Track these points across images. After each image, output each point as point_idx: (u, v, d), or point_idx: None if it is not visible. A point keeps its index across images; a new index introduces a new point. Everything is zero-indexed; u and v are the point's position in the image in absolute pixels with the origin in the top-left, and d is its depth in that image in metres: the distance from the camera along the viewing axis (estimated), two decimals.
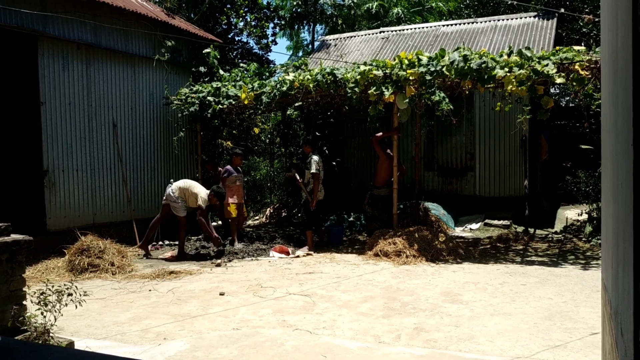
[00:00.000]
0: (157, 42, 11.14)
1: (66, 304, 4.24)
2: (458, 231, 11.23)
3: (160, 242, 10.49)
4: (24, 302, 4.10)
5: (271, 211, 13.89)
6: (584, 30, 14.93)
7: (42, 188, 9.10)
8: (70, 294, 4.19)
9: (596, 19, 12.51)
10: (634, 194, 1.28)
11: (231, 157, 10.37)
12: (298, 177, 9.42)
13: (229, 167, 10.17)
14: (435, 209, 11.15)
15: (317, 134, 13.59)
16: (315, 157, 9.20)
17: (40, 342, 3.88)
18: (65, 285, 4.33)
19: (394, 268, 7.66)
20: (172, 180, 9.77)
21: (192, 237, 10.76)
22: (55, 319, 4.15)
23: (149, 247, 9.79)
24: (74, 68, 9.54)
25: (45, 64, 9.05)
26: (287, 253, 8.95)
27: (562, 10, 13.70)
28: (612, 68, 2.07)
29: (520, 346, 4.48)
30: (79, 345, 4.50)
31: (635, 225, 1.25)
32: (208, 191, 9.01)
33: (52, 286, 4.30)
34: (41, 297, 4.14)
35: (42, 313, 4.08)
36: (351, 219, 11.94)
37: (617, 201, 1.80)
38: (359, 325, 5.15)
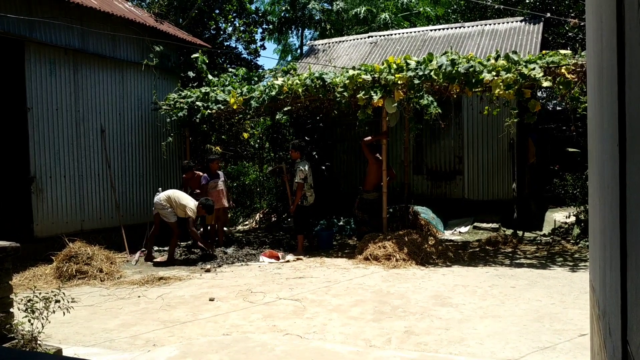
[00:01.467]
0: (145, 47, 11.10)
1: (54, 311, 4.19)
2: (447, 234, 11.27)
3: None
4: (11, 310, 4.05)
5: (261, 216, 13.86)
6: (569, 34, 15.11)
7: (29, 194, 9.01)
8: (57, 301, 4.15)
9: (581, 23, 12.65)
10: (619, 195, 1.30)
11: (207, 164, 10.33)
12: (285, 171, 9.48)
13: (204, 175, 10.16)
14: (425, 213, 11.18)
15: (306, 138, 13.61)
16: (302, 167, 9.20)
17: (27, 349, 3.83)
18: (52, 292, 4.29)
19: (384, 272, 7.67)
20: (160, 189, 9.76)
21: (182, 243, 10.70)
22: (43, 326, 4.11)
23: (138, 253, 9.74)
24: (62, 73, 9.48)
25: (32, 69, 8.99)
26: (277, 258, 8.93)
27: (548, 14, 13.83)
28: (598, 70, 2.10)
29: (510, 348, 4.50)
30: (67, 352, 4.45)
31: (621, 225, 1.27)
32: (196, 202, 8.99)
33: (40, 293, 4.26)
34: (28, 304, 4.09)
35: (29, 320, 4.03)
36: (341, 223, 11.94)
37: (604, 202, 1.82)
38: (350, 330, 5.15)
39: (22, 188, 9.27)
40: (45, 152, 9.19)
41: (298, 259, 8.91)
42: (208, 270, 8.30)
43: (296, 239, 9.51)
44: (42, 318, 4.08)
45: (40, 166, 9.11)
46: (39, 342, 4.04)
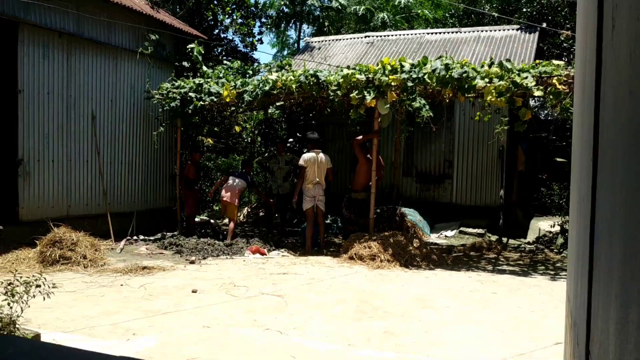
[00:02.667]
0: (140, 35, 11.05)
1: (34, 296, 4.18)
2: (433, 237, 11.33)
3: (135, 237, 10.39)
4: None
5: (249, 210, 13.86)
6: (564, 45, 15.21)
7: (16, 177, 8.95)
8: (38, 286, 4.14)
9: (575, 34, 12.74)
10: (591, 208, 1.33)
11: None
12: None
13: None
14: (412, 215, 11.23)
15: (298, 135, 13.62)
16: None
17: (5, 333, 3.83)
18: (34, 276, 4.27)
19: (368, 272, 7.70)
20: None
21: (168, 233, 10.69)
22: (22, 310, 4.10)
23: (123, 241, 9.74)
24: (55, 57, 9.42)
25: (25, 51, 8.92)
26: (263, 254, 8.94)
27: (544, 24, 13.93)
28: (582, 85, 2.14)
29: (488, 353, 4.55)
30: (46, 337, 4.44)
31: (590, 238, 1.30)
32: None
33: (20, 277, 4.24)
34: (8, 287, 4.08)
35: (8, 304, 4.02)
36: (328, 221, 11.97)
37: (579, 215, 1.85)
38: (330, 328, 5.18)
39: (9, 171, 9.21)
40: (34, 135, 9.14)
41: (283, 255, 8.94)
42: (192, 262, 8.30)
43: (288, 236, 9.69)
44: (22, 302, 4.06)
45: (28, 149, 9.05)
46: (17, 326, 4.03)
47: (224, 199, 10.16)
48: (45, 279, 4.28)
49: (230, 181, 10.22)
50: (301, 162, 9.33)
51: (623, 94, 0.89)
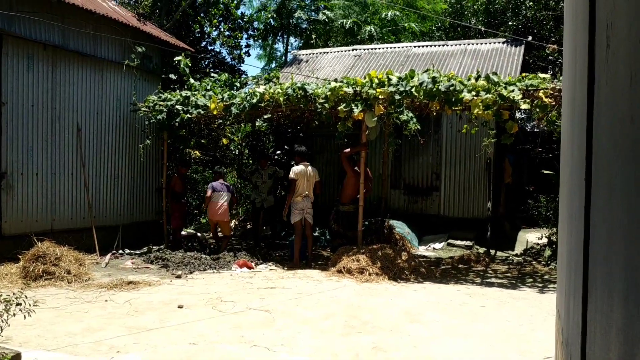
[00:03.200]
0: (127, 48, 10.99)
1: (14, 314, 4.08)
2: (422, 250, 11.31)
3: (121, 251, 10.26)
4: None
5: (236, 223, 13.76)
6: (550, 58, 15.38)
7: None
8: (19, 304, 4.04)
9: (561, 48, 12.89)
10: (584, 229, 1.30)
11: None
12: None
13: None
14: (400, 227, 11.22)
15: (286, 147, 13.58)
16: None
17: None
18: (14, 294, 4.17)
19: (356, 285, 7.65)
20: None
21: (154, 247, 10.56)
22: (2, 330, 3.99)
23: (108, 255, 9.60)
24: (39, 69, 9.32)
25: (9, 63, 8.82)
26: (251, 268, 8.85)
27: (530, 38, 14.08)
28: (571, 100, 2.12)
29: None
30: (27, 357, 4.33)
31: (584, 260, 1.27)
32: None
33: (0, 295, 4.14)
34: None
35: None
36: (316, 234, 11.91)
37: (570, 233, 1.83)
38: (318, 343, 5.11)
39: None
40: (18, 148, 9.01)
41: (271, 269, 8.86)
42: (179, 277, 8.19)
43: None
44: (2, 321, 3.96)
45: (12, 162, 8.92)
46: None
47: (218, 217, 10.07)
48: (25, 296, 4.17)
49: (216, 197, 10.07)
50: (291, 175, 9.27)
51: (622, 116, 0.86)
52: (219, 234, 10.50)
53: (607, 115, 1.03)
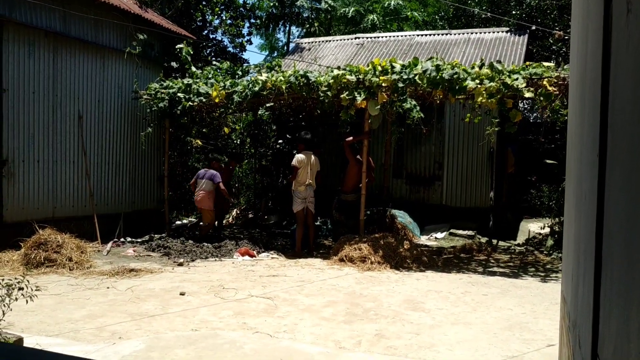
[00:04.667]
0: (128, 35, 10.92)
1: (16, 299, 4.07)
2: (423, 239, 11.29)
3: (122, 239, 10.26)
4: None
5: (238, 212, 13.75)
6: (553, 47, 15.27)
7: (0, 178, 8.79)
8: (21, 288, 4.03)
9: (566, 37, 12.80)
10: (597, 206, 1.27)
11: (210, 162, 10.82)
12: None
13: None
14: (402, 217, 11.19)
15: (287, 136, 13.54)
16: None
17: None
18: (17, 279, 4.16)
19: (358, 274, 7.64)
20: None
21: (156, 235, 10.56)
22: (4, 314, 3.99)
23: (110, 243, 9.60)
24: (41, 56, 9.27)
25: (10, 50, 8.76)
26: (252, 256, 8.85)
27: (534, 27, 13.97)
28: (580, 80, 2.08)
29: (479, 356, 4.50)
30: (29, 342, 4.33)
31: (597, 237, 1.24)
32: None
33: (2, 279, 4.13)
34: None
35: None
36: (318, 223, 11.89)
37: (580, 213, 1.80)
38: (320, 330, 5.11)
39: None
40: (19, 135, 8.98)
41: (273, 257, 8.86)
42: (181, 264, 8.19)
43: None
44: (4, 305, 3.95)
45: (13, 149, 8.89)
46: None
47: (197, 205, 10.16)
48: (28, 281, 4.16)
49: (199, 185, 10.02)
50: (294, 162, 9.22)
51: None
52: (201, 223, 10.50)
53: (628, 86, 0.99)
